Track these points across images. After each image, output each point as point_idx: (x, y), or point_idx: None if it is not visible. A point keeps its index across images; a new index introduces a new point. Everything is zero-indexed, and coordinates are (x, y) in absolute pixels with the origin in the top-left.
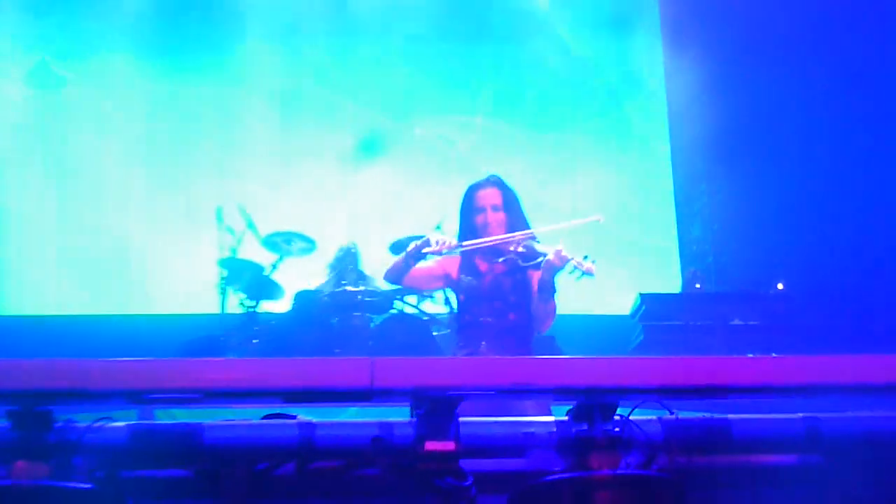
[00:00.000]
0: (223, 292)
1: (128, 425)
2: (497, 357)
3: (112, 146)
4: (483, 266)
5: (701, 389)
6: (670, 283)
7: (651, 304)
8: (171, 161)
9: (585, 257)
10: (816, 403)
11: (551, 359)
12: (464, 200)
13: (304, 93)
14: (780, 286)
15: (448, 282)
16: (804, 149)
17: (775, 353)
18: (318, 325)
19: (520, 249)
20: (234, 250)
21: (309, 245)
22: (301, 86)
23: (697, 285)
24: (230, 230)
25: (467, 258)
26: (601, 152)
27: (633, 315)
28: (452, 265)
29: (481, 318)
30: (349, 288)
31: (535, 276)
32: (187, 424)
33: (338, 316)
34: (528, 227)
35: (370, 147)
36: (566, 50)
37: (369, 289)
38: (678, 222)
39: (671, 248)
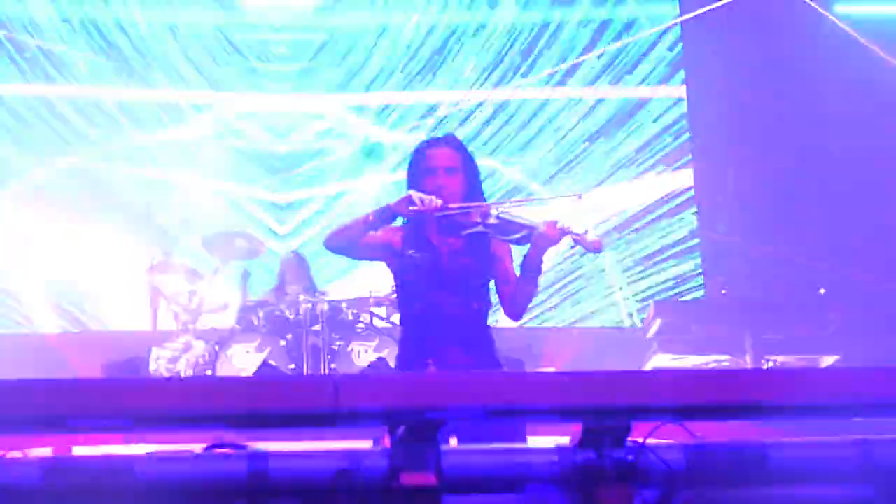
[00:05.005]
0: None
1: (42, 460)
2: (486, 371)
3: None
4: (435, 238)
5: (730, 408)
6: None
7: (668, 315)
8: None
9: (586, 232)
10: (869, 424)
11: (553, 373)
12: (412, 160)
13: None
14: (821, 291)
15: (389, 254)
16: (856, 127)
17: None
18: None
19: (491, 221)
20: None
21: (255, 247)
22: None
23: (723, 291)
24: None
25: (415, 226)
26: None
27: (645, 329)
28: (395, 233)
29: (440, 307)
30: (304, 298)
31: (506, 255)
32: (115, 458)
33: (291, 332)
34: (484, 200)
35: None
36: None
37: (330, 300)
38: (699, 215)
39: (691, 247)
